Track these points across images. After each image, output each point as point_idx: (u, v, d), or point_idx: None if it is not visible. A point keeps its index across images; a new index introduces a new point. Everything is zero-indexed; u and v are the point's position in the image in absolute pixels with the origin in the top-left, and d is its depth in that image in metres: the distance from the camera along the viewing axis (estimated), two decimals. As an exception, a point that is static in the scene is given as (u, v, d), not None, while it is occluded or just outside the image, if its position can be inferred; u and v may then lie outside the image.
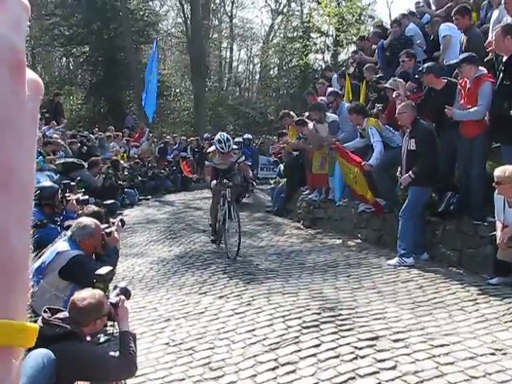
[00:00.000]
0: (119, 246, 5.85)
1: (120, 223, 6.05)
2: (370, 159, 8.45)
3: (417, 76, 7.91)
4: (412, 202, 7.17)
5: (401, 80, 8.51)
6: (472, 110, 6.78)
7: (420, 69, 7.62)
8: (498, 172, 5.80)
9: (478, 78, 6.78)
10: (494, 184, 5.84)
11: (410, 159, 7.16)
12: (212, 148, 9.01)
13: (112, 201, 7.41)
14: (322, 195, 10.58)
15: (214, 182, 8.51)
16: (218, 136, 8.68)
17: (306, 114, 11.34)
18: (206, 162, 9.16)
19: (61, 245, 4.90)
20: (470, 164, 6.96)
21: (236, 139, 16.16)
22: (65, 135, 14.93)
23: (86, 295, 3.50)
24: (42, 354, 3.04)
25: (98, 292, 3.61)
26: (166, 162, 18.94)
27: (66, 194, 6.94)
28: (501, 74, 6.57)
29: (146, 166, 17.52)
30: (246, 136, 19.53)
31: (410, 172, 7.05)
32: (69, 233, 4.98)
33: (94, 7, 27.75)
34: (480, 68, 6.86)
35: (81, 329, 3.41)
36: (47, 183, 6.92)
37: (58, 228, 5.90)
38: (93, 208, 5.98)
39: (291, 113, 12.61)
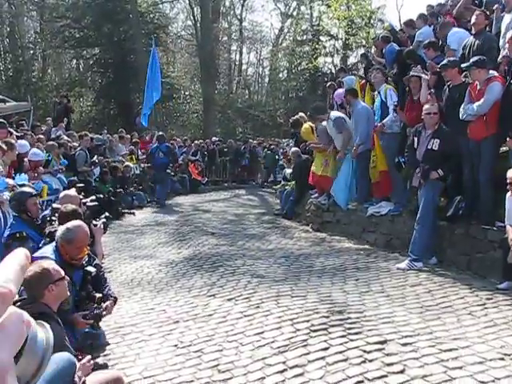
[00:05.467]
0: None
1: (102, 226, 5.95)
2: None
3: (440, 69, 7.74)
4: (427, 205, 7.12)
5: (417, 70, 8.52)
6: (475, 104, 6.77)
7: (445, 62, 7.49)
8: (511, 173, 5.82)
9: (488, 80, 6.77)
10: (507, 186, 5.86)
11: (432, 159, 7.06)
12: None
13: (95, 203, 7.21)
14: (331, 198, 10.58)
15: None
16: None
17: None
18: None
19: (42, 249, 4.69)
20: (477, 167, 6.95)
21: None
22: (72, 136, 14.98)
23: (31, 268, 3.50)
24: (64, 358, 3.07)
25: (45, 261, 3.65)
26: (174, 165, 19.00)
27: (81, 197, 6.90)
28: (509, 78, 6.58)
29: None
30: None
31: (439, 170, 6.97)
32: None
33: (104, 10, 27.91)
34: (491, 71, 6.86)
35: (40, 302, 3.42)
36: (26, 188, 6.59)
37: (41, 241, 5.48)
38: (71, 207, 5.58)
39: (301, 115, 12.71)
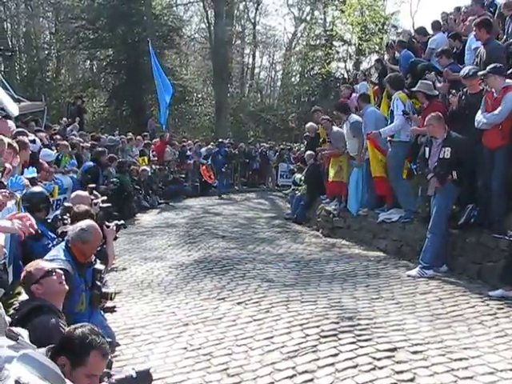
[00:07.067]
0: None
1: (115, 227, 5.90)
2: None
3: (464, 78, 7.64)
4: (440, 213, 7.08)
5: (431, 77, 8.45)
6: (491, 113, 6.71)
7: (467, 71, 7.42)
8: None
9: (505, 88, 6.72)
10: None
11: (444, 167, 7.01)
12: None
13: (108, 204, 7.23)
14: (342, 204, 10.56)
15: None
16: None
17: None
18: None
19: (52, 252, 4.55)
20: (490, 175, 6.90)
21: None
22: (84, 136, 15.09)
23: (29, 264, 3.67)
24: None
25: (35, 262, 3.69)
26: (185, 166, 19.07)
27: (92, 198, 6.93)
28: None
29: (168, 170, 17.68)
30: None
31: (454, 173, 6.90)
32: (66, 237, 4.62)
33: (119, 12, 28.06)
34: (507, 80, 6.81)
35: (36, 298, 3.45)
36: (37, 189, 6.72)
37: (55, 240, 5.47)
38: (84, 207, 5.60)
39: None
